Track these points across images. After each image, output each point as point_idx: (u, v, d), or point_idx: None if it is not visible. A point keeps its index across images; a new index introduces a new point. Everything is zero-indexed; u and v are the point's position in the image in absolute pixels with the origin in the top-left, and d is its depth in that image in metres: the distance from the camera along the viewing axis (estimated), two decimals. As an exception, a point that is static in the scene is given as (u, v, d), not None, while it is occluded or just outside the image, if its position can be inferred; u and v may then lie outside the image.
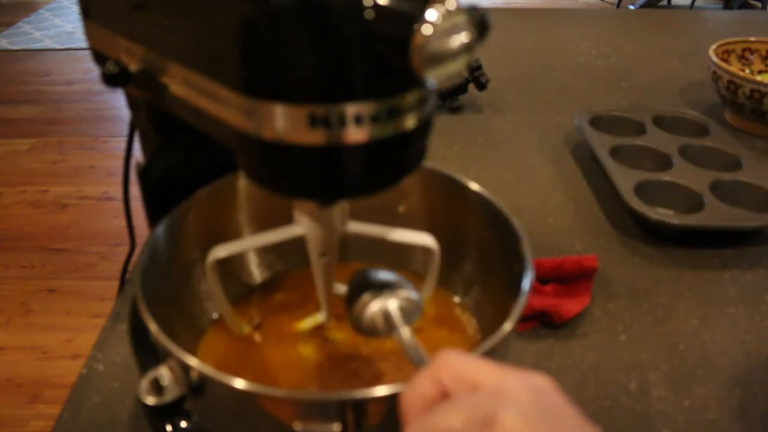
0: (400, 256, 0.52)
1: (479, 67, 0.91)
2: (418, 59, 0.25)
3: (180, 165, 0.48)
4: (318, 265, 0.41)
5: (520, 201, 0.73)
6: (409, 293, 0.37)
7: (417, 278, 0.49)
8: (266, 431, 0.36)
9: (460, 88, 0.91)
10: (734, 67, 0.91)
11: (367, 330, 0.37)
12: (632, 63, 1.11)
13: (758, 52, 0.97)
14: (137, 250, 0.48)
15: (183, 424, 0.37)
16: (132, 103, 0.49)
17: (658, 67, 1.09)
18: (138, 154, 0.50)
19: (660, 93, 1.00)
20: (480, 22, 0.26)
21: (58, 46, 3.24)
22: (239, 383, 0.32)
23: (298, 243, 0.41)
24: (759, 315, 0.58)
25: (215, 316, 0.47)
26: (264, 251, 0.52)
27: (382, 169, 0.32)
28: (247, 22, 0.28)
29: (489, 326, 0.46)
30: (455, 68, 0.27)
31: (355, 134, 0.29)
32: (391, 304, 0.37)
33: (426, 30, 0.25)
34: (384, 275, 0.38)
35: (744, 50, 0.97)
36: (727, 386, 0.51)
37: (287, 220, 0.40)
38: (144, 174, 0.48)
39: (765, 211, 0.67)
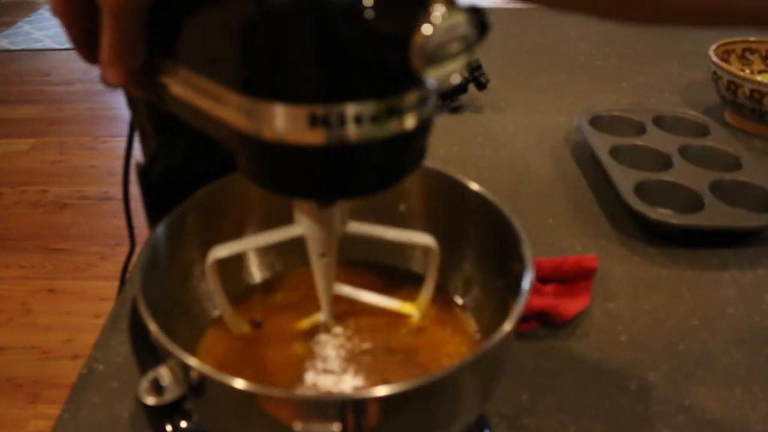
0: (400, 256, 0.52)
1: (479, 67, 0.91)
2: (418, 59, 0.25)
3: (180, 165, 0.48)
4: (318, 265, 0.41)
5: (520, 201, 0.73)
6: None
7: (417, 278, 0.49)
8: (266, 431, 0.36)
9: (460, 88, 0.91)
10: (734, 67, 0.91)
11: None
12: (632, 63, 1.11)
13: (758, 52, 0.97)
14: (137, 250, 0.48)
15: (183, 424, 0.37)
16: (132, 103, 0.49)
17: (658, 67, 1.09)
18: (138, 154, 0.50)
19: (660, 93, 1.00)
20: (480, 22, 0.26)
21: (58, 46, 3.24)
22: (239, 383, 0.32)
23: (298, 243, 0.41)
24: (759, 315, 0.58)
25: (215, 315, 0.47)
26: (264, 251, 0.52)
27: (382, 170, 0.32)
28: (246, 21, 0.28)
29: (489, 326, 0.46)
30: (455, 68, 0.26)
31: (355, 134, 0.29)
32: None
33: (426, 30, 0.25)
34: None
35: (744, 50, 0.97)
36: (727, 386, 0.51)
37: (287, 220, 0.40)
38: (144, 174, 0.47)
39: (765, 211, 0.67)
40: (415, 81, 0.28)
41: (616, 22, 0.33)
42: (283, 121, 0.29)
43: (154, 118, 0.47)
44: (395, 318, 0.47)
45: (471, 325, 0.47)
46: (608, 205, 0.72)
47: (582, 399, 0.49)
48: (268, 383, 0.42)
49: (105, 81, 0.36)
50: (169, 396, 0.36)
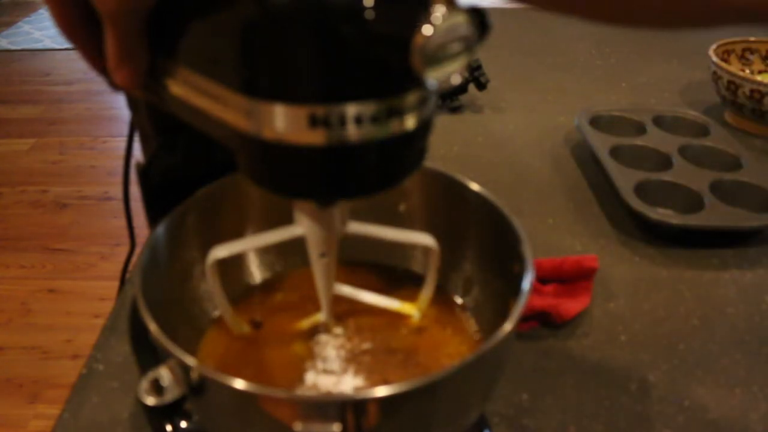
0: (400, 256, 0.52)
1: (479, 67, 0.91)
2: (418, 59, 0.25)
3: (180, 165, 0.48)
4: (318, 266, 0.41)
5: (520, 201, 0.73)
6: None
7: (417, 278, 0.49)
8: (266, 431, 0.36)
9: (460, 88, 0.91)
10: (734, 67, 0.91)
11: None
12: (632, 63, 1.11)
13: (758, 52, 0.97)
14: (137, 250, 0.48)
15: (183, 424, 0.37)
16: (132, 103, 0.49)
17: (658, 67, 1.09)
18: (138, 154, 0.50)
19: (660, 93, 1.00)
20: (480, 23, 0.26)
21: (58, 46, 3.24)
22: (239, 383, 0.32)
23: (298, 243, 0.41)
24: (759, 315, 0.58)
25: (215, 315, 0.47)
26: (264, 251, 0.52)
27: (382, 170, 0.32)
28: (247, 22, 0.28)
29: (489, 326, 0.46)
30: (455, 68, 0.26)
31: (356, 135, 0.29)
32: None
33: (427, 30, 0.25)
34: None
35: (744, 50, 0.97)
36: (727, 386, 0.51)
37: (287, 220, 0.40)
38: (144, 174, 0.47)
39: (765, 211, 0.67)
40: (415, 81, 0.28)
41: (605, 23, 0.33)
42: (283, 122, 0.29)
43: (154, 118, 0.47)
44: (395, 318, 0.47)
45: (471, 325, 0.47)
46: (608, 205, 0.72)
47: (582, 399, 0.49)
48: (268, 383, 0.42)
49: (112, 85, 0.36)
50: (169, 396, 0.35)
